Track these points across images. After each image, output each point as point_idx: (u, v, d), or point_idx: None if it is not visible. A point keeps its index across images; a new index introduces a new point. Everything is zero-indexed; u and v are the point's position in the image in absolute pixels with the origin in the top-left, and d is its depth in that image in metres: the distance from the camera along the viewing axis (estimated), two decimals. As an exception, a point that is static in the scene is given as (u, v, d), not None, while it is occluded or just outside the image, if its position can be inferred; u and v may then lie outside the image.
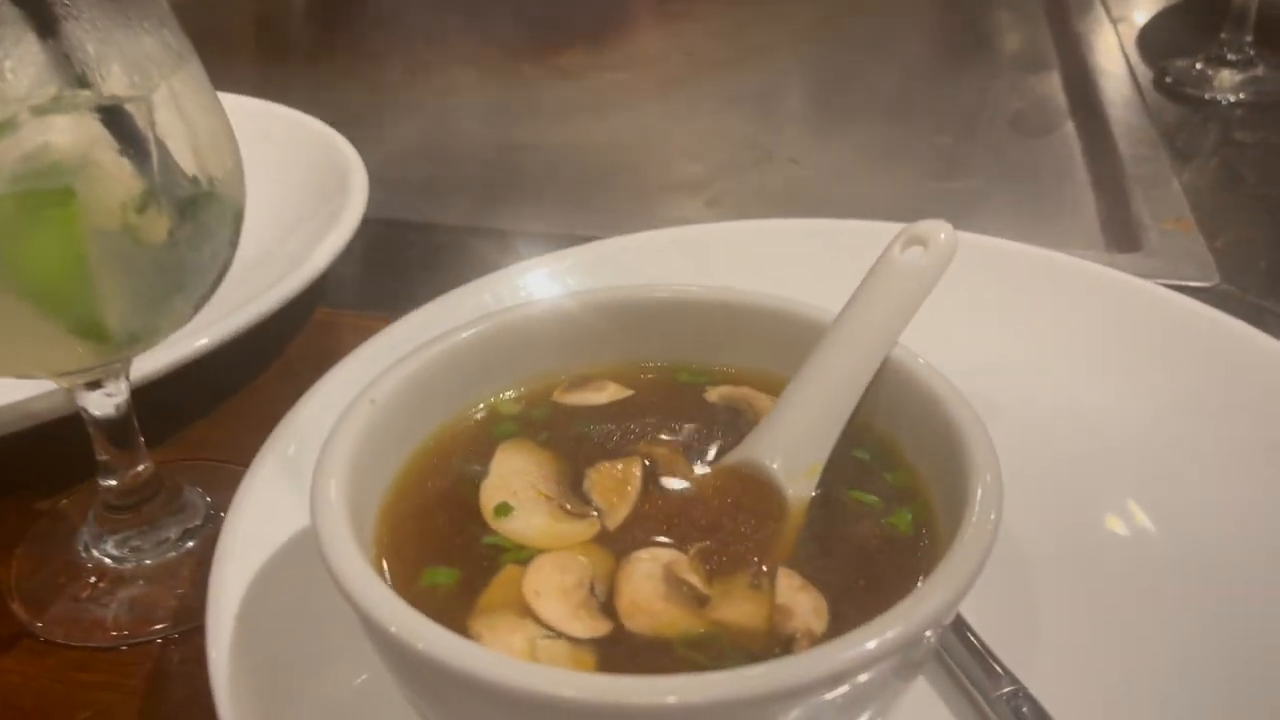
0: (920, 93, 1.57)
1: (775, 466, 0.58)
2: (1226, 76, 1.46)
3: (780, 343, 0.63)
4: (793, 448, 0.58)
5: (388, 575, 0.52)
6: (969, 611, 0.59)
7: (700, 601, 0.50)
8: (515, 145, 1.44)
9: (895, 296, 0.60)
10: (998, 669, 0.56)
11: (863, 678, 0.44)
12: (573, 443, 0.61)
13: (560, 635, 0.48)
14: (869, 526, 0.54)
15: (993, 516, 0.49)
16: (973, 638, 0.58)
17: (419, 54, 1.83)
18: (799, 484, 0.57)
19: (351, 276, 1.08)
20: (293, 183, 1.06)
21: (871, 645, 0.43)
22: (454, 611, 0.50)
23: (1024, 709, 0.54)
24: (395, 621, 0.43)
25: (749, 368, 0.65)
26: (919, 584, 0.47)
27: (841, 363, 0.59)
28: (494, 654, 0.43)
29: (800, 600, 0.49)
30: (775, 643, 0.48)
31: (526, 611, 0.49)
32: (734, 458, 0.59)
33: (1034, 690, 0.55)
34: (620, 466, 0.59)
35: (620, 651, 0.47)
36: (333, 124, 1.15)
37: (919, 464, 0.57)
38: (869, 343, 0.59)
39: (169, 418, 0.85)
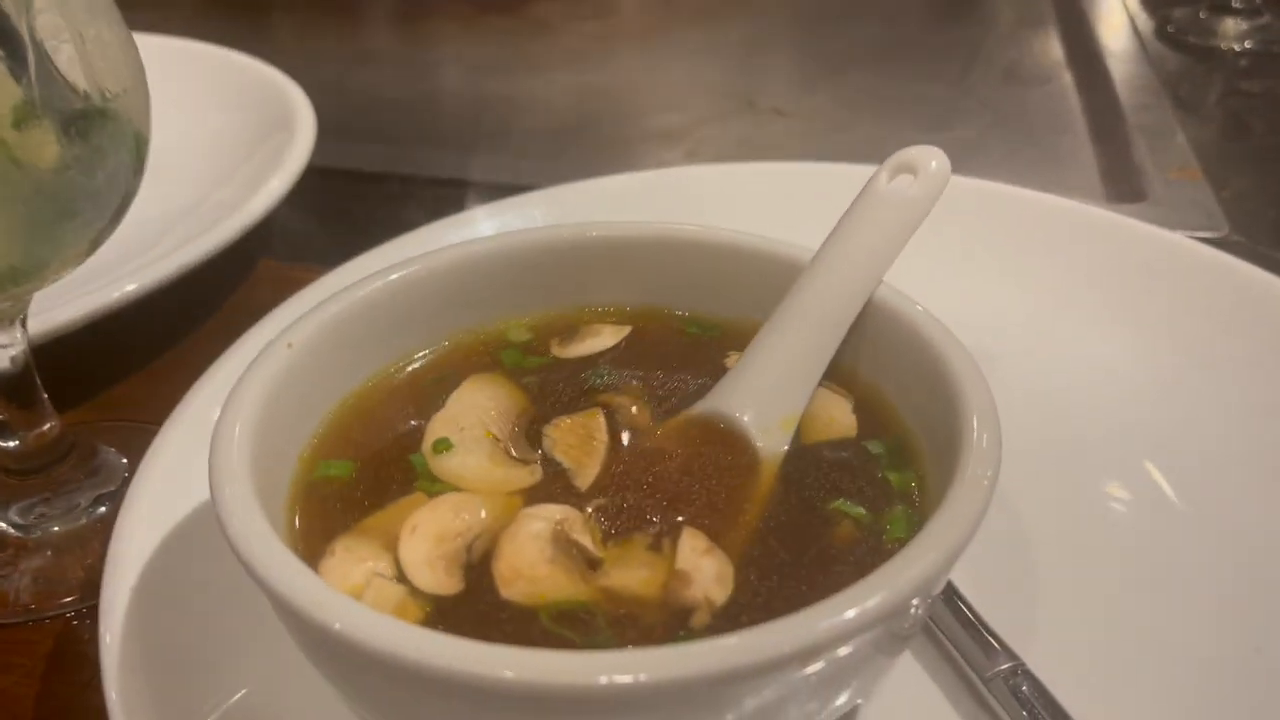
0: (911, 42, 1.51)
1: (746, 419, 0.51)
2: (1231, 25, 1.39)
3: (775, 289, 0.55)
4: (765, 397, 0.52)
5: (298, 522, 0.47)
6: (962, 582, 0.53)
7: (592, 565, 0.44)
8: (486, 97, 1.37)
9: (881, 229, 0.53)
10: (994, 644, 0.50)
11: (839, 652, 0.38)
12: (549, 387, 0.55)
13: (403, 581, 0.44)
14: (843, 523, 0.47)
15: (990, 473, 0.43)
16: (966, 609, 0.52)
17: (387, 5, 1.75)
18: (772, 436, 0.51)
19: (304, 228, 1.01)
20: (236, 126, 0.99)
21: (850, 615, 0.37)
22: (337, 519, 0.47)
23: (1023, 687, 0.48)
24: (276, 575, 0.38)
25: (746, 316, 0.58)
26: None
27: (820, 302, 0.52)
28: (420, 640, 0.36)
29: (702, 565, 0.44)
30: (667, 613, 0.42)
31: (392, 545, 0.45)
32: (701, 408, 0.53)
33: (1034, 667, 0.49)
34: (583, 420, 0.53)
35: (462, 614, 0.43)
36: (297, 75, 1.07)
37: (910, 422, 0.51)
38: (851, 280, 0.52)
39: (94, 374, 0.78)
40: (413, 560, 0.44)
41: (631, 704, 0.36)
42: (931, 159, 0.55)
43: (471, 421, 0.52)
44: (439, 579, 0.44)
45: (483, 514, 0.47)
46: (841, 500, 0.48)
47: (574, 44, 1.54)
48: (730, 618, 0.42)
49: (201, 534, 0.54)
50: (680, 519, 0.47)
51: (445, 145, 1.24)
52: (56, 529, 0.63)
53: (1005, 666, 0.49)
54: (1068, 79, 1.34)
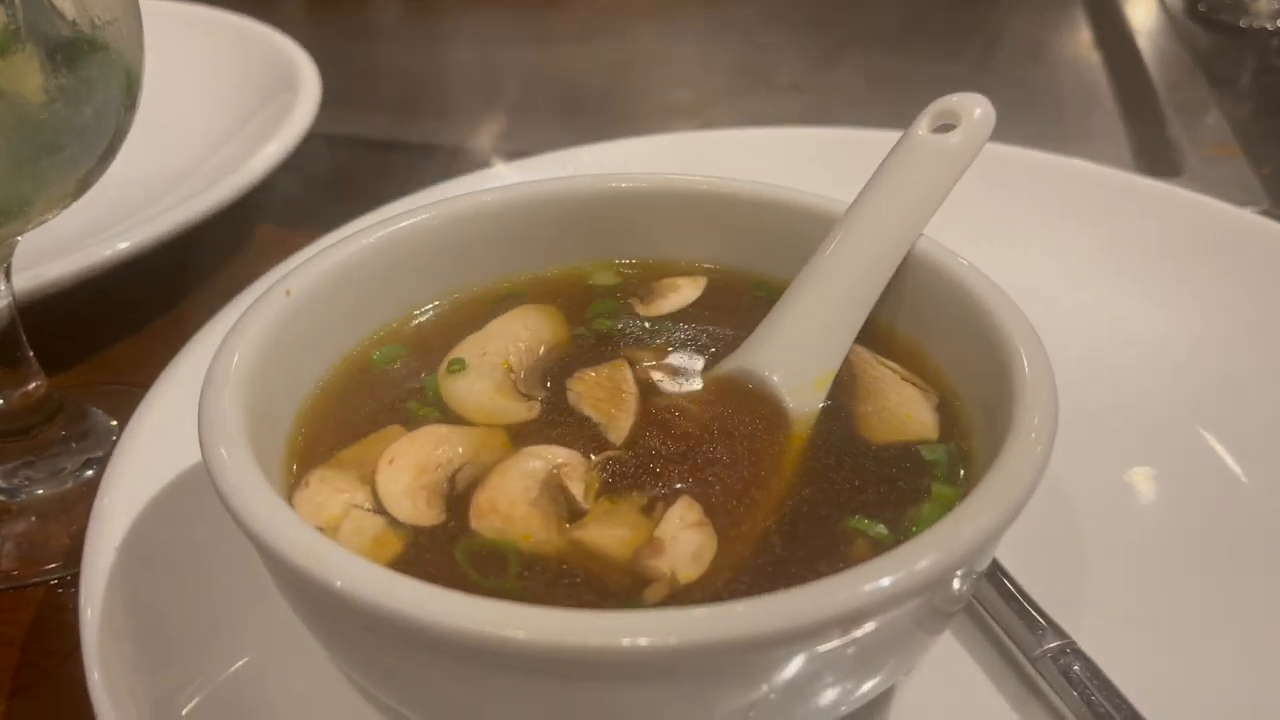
0: (932, 20, 1.47)
1: (777, 378, 0.48)
2: (1264, 3, 1.35)
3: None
4: (797, 355, 0.48)
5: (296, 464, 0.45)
6: (1007, 557, 0.49)
7: (573, 515, 0.42)
8: (496, 70, 1.34)
9: (921, 180, 0.50)
10: (1041, 621, 0.46)
11: (879, 622, 0.35)
12: (598, 338, 0.52)
13: (382, 512, 0.43)
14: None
15: (1047, 423, 0.39)
16: (1011, 585, 0.48)
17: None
18: (805, 396, 0.47)
19: (307, 194, 0.98)
20: (239, 89, 0.96)
21: (885, 583, 0.33)
22: (334, 442, 0.45)
23: (1074, 667, 0.44)
24: (271, 529, 0.35)
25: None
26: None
27: (857, 255, 0.49)
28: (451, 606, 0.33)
29: (683, 537, 0.41)
30: (629, 579, 0.39)
31: (370, 476, 0.44)
32: (728, 366, 0.49)
33: (1085, 646, 0.45)
34: (609, 372, 0.49)
35: (442, 546, 0.41)
36: (307, 46, 1.04)
37: (953, 379, 0.47)
38: (889, 232, 0.49)
39: (87, 336, 0.75)
40: (392, 491, 0.43)
41: (658, 667, 0.33)
42: (975, 106, 0.52)
43: (496, 348, 0.50)
44: (419, 510, 0.42)
45: (462, 448, 0.44)
46: (858, 518, 0.42)
47: (586, 19, 1.51)
48: (691, 598, 0.38)
49: (190, 499, 0.51)
50: (682, 486, 0.43)
51: (453, 116, 1.21)
52: (41, 493, 0.60)
53: (1054, 645, 0.45)
54: (1096, 58, 1.31)
